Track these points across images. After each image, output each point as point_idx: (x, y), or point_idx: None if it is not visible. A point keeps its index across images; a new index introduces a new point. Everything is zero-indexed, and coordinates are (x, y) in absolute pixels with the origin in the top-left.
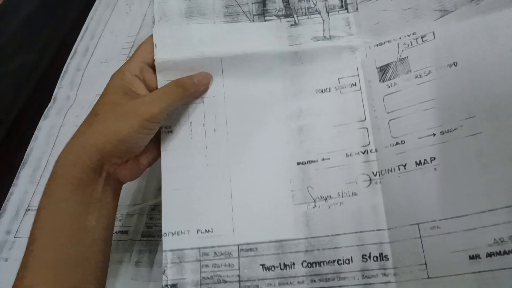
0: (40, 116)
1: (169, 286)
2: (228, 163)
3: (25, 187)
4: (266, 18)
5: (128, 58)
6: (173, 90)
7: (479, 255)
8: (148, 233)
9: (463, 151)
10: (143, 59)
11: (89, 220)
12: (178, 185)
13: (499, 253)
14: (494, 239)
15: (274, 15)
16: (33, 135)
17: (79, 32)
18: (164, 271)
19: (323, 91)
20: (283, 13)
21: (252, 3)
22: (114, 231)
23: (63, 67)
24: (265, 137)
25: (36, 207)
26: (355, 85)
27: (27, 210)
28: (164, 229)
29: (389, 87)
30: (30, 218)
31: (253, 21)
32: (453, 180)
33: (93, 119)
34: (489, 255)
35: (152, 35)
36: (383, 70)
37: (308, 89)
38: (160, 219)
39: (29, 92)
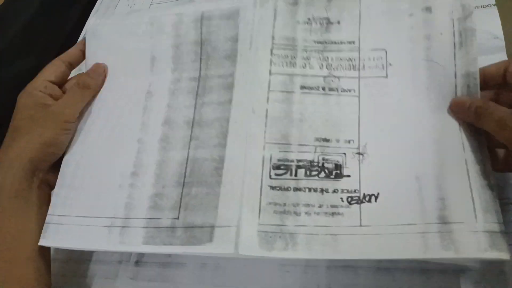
0: None
1: None
2: None
3: None
4: None
5: None
6: (80, 92)
7: None
8: None
9: None
10: (46, 77)
11: (28, 225)
12: None
13: None
14: None
15: None
16: None
17: (80, 33)
18: None
19: None
20: None
21: None
22: None
23: None
24: None
25: None
26: None
27: None
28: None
29: None
30: None
31: None
32: None
33: (16, 134)
34: None
35: (55, 60)
36: None
37: None
38: None
39: None
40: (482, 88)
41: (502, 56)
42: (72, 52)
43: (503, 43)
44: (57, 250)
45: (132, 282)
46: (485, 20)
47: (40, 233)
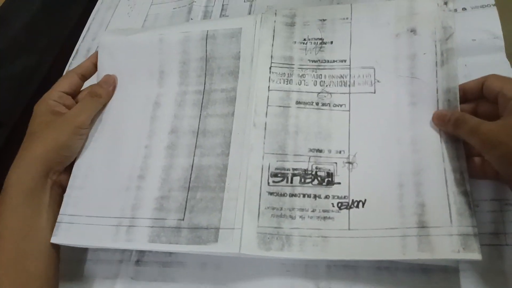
0: None
1: None
2: None
3: None
4: None
5: None
6: (92, 101)
7: None
8: None
9: None
10: (60, 88)
11: (40, 222)
12: None
13: None
14: None
15: None
16: None
17: (81, 33)
18: None
19: None
20: None
21: None
22: None
23: (64, 68)
24: None
25: None
26: None
27: None
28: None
29: None
30: None
31: None
32: None
33: (33, 137)
34: None
35: (69, 72)
36: None
37: None
38: None
39: (31, 94)
40: (462, 101)
41: (502, 56)
42: (85, 64)
43: (502, 43)
44: None
45: (132, 282)
46: (485, 20)
47: (50, 230)
